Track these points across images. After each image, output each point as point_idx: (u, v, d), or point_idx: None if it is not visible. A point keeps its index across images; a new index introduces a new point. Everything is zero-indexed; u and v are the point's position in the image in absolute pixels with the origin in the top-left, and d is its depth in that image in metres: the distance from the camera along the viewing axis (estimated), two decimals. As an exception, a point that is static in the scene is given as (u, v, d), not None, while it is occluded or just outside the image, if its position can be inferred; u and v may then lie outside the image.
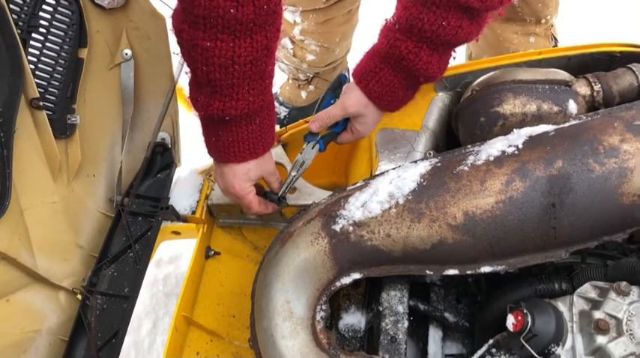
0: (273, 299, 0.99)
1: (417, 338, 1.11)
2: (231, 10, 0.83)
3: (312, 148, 1.21)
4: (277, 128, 1.40)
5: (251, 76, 0.95)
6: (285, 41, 2.10)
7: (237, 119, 1.01)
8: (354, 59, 2.30)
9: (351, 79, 1.17)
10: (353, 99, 1.14)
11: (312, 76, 2.19)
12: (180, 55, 0.97)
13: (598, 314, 0.83)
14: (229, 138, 1.05)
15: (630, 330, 0.80)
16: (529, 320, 0.83)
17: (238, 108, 0.98)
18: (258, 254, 1.46)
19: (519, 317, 0.85)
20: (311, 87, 2.23)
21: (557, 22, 2.06)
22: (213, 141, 1.07)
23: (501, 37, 1.97)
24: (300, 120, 1.43)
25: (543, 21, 1.95)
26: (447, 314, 1.09)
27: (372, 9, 2.12)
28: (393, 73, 1.09)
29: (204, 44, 0.88)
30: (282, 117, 2.28)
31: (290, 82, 2.28)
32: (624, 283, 0.84)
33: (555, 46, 2.09)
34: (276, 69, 1.98)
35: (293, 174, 1.22)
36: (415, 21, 1.00)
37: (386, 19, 1.08)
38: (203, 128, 1.08)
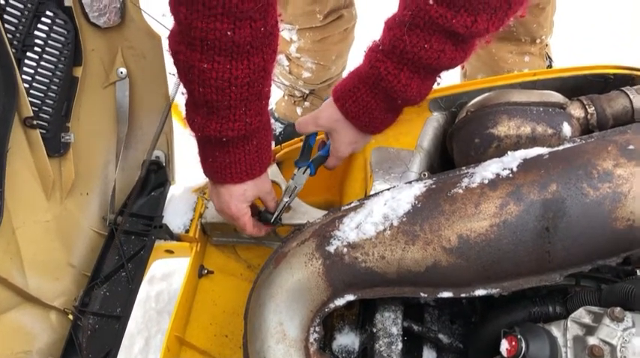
0: (267, 320, 0.99)
1: (411, 360, 1.10)
2: (228, 33, 0.84)
3: (303, 173, 1.22)
4: (273, 145, 1.40)
5: (248, 98, 0.95)
6: (281, 58, 2.11)
7: (235, 140, 1.01)
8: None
9: None
10: (326, 113, 1.14)
11: (307, 92, 2.20)
12: (176, 75, 0.97)
13: (592, 340, 0.82)
14: (226, 160, 1.04)
15: (624, 357, 0.80)
16: (523, 345, 0.83)
17: (235, 129, 0.98)
18: (252, 272, 1.45)
19: (513, 343, 0.84)
20: (306, 103, 2.23)
21: (553, 24, 2.05)
22: (209, 162, 1.07)
23: (496, 57, 1.98)
24: (296, 139, 1.43)
25: (538, 41, 1.96)
26: (441, 336, 1.08)
27: (368, 27, 2.12)
28: (371, 93, 1.07)
29: (201, 66, 0.88)
30: (278, 134, 2.28)
31: (286, 98, 2.29)
32: (618, 309, 0.84)
33: (550, 65, 2.10)
34: (272, 86, 2.00)
35: (285, 199, 1.22)
36: (397, 42, 0.99)
37: (372, 41, 1.07)
38: (199, 149, 1.08)
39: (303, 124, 1.18)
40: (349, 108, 1.10)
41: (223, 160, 1.05)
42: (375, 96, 1.07)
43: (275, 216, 1.22)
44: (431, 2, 0.92)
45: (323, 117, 1.15)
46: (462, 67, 2.17)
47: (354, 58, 2.13)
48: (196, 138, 1.06)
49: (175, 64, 0.94)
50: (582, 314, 0.88)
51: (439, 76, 1.08)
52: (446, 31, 0.95)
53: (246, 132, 1.00)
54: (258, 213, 1.25)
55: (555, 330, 0.88)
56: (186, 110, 1.01)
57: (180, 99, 1.36)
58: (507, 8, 0.92)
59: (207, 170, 1.10)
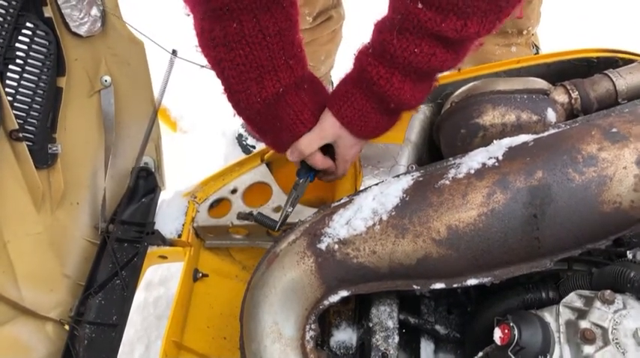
0: (262, 321, 0.99)
1: (410, 351, 1.10)
2: None
3: (305, 182, 1.21)
4: (263, 146, 1.40)
5: (284, 47, 1.01)
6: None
7: (289, 90, 1.06)
8: (337, 75, 2.31)
9: None
10: (328, 123, 1.12)
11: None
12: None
13: (584, 324, 0.83)
14: (290, 113, 1.09)
15: (616, 339, 0.80)
16: (516, 333, 0.83)
17: (285, 77, 1.03)
18: (247, 274, 1.45)
19: (506, 331, 0.85)
20: (296, 104, 2.23)
21: (540, 14, 2.05)
22: (277, 128, 1.11)
23: (483, 49, 1.99)
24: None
25: (525, 32, 1.97)
26: (437, 327, 1.09)
27: (355, 26, 2.13)
28: (365, 97, 1.06)
29: (232, 29, 0.96)
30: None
31: (275, 98, 2.28)
32: (608, 291, 0.84)
33: (537, 53, 2.11)
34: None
35: (289, 209, 1.22)
36: (388, 46, 0.98)
37: (362, 44, 1.06)
38: (261, 129, 1.13)
39: (307, 143, 1.14)
40: (345, 113, 1.09)
41: (288, 115, 1.09)
42: (369, 99, 1.06)
43: (279, 224, 1.23)
44: (420, 6, 0.91)
45: (326, 128, 1.13)
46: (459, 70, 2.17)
47: (342, 57, 2.15)
48: (254, 115, 1.09)
49: (212, 45, 1.00)
50: (574, 299, 0.88)
51: (435, 80, 1.06)
52: (435, 35, 0.93)
53: (296, 79, 1.05)
54: (256, 214, 1.26)
55: (548, 316, 0.88)
56: (233, 96, 1.07)
57: (166, 101, 1.36)
58: (498, 11, 0.91)
59: (278, 141, 1.15)
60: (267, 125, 1.11)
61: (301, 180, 1.21)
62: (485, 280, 0.94)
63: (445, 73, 1.28)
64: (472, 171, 0.95)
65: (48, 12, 1.12)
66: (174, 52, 1.26)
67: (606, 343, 0.80)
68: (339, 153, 1.16)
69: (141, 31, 1.22)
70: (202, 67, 1.10)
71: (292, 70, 1.04)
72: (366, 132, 1.12)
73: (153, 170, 1.41)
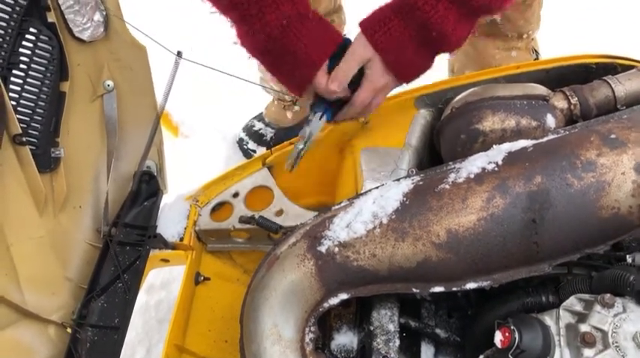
0: (261, 323, 0.99)
1: (410, 355, 1.10)
2: None
3: (320, 119, 1.11)
4: (264, 150, 1.41)
5: None
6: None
7: (294, 21, 1.01)
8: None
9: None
10: (360, 45, 1.05)
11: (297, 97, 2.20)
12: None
13: (584, 328, 0.83)
14: (301, 45, 1.02)
15: (616, 342, 0.80)
16: (516, 336, 0.84)
17: (286, 10, 0.99)
18: (248, 277, 1.44)
19: (507, 334, 0.85)
20: (296, 107, 2.24)
21: (540, 18, 2.06)
22: (289, 68, 1.06)
23: (484, 53, 1.99)
24: (285, 142, 1.44)
25: (525, 36, 1.98)
26: (438, 330, 1.09)
27: (356, 31, 2.14)
28: (404, 24, 1.00)
29: None
30: (269, 138, 2.29)
31: (275, 102, 2.29)
32: (608, 295, 0.85)
33: (536, 58, 2.12)
34: (261, 90, 1.99)
35: (300, 146, 1.13)
36: None
37: None
38: (275, 67, 1.08)
39: (346, 70, 1.07)
40: (379, 39, 1.03)
41: (300, 48, 1.03)
42: (408, 27, 1.01)
43: (289, 162, 1.16)
44: None
45: (357, 50, 1.06)
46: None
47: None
48: (269, 59, 1.05)
49: None
50: (573, 302, 0.89)
51: (477, 23, 1.03)
52: None
53: (299, 11, 1.01)
54: (258, 218, 1.27)
55: (548, 319, 0.89)
56: (243, 37, 1.03)
57: (169, 106, 1.37)
58: None
59: (291, 79, 1.09)
60: (281, 63, 1.06)
61: (314, 115, 1.11)
62: (484, 284, 0.94)
63: (447, 77, 1.29)
64: (472, 176, 0.96)
65: (51, 17, 1.13)
66: (179, 54, 1.26)
67: (606, 346, 0.81)
68: (368, 78, 1.08)
69: (145, 33, 1.23)
70: (208, 67, 1.09)
71: (293, 2, 0.99)
72: (400, 64, 1.06)
73: (155, 174, 1.42)
